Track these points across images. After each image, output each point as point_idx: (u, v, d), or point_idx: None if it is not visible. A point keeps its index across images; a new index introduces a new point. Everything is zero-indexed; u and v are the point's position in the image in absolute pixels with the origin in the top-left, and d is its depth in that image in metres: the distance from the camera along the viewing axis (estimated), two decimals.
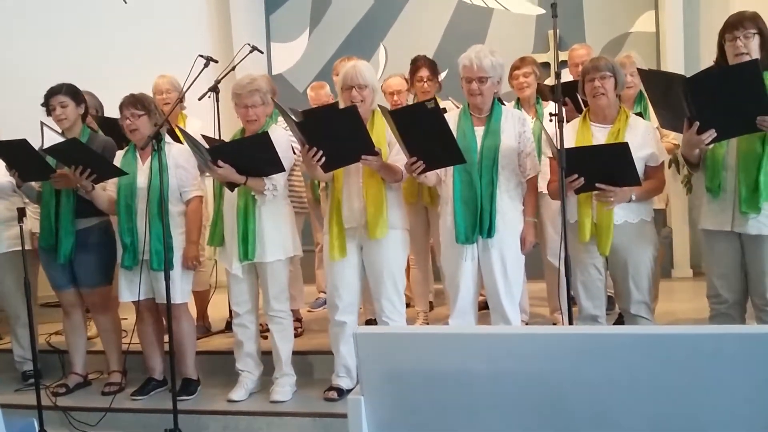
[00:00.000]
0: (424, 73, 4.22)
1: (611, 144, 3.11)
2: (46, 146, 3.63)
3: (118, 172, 3.64)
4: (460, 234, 3.26)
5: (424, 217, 4.28)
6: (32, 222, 4.03)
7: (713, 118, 2.81)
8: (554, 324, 4.07)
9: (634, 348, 1.45)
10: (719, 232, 3.03)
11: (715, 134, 2.83)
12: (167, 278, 3.32)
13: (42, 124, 3.76)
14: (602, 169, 3.03)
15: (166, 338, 3.52)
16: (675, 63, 5.46)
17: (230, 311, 3.76)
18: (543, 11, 6.11)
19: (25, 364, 4.20)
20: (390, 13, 6.49)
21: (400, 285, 3.48)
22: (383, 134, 3.36)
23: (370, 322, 4.26)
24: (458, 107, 3.58)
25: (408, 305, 4.38)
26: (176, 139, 3.86)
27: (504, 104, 3.75)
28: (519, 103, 4.17)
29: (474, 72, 3.22)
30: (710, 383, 1.40)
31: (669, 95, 2.94)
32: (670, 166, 5.19)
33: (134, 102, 3.65)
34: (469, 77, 3.24)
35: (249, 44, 4.22)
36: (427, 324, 4.34)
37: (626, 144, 3.01)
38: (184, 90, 3.90)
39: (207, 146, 3.53)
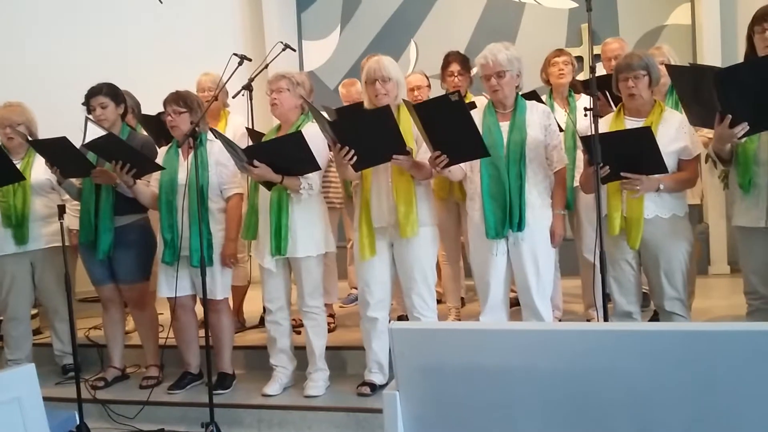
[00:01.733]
0: (455, 67, 4.23)
1: (634, 129, 3.07)
2: (88, 138, 3.68)
3: (156, 167, 3.69)
4: (490, 229, 3.25)
5: (455, 212, 4.28)
6: (70, 219, 4.11)
7: (745, 112, 2.76)
8: (588, 320, 4.03)
9: (669, 345, 1.44)
10: (753, 229, 2.98)
11: (748, 127, 2.78)
12: (203, 274, 3.37)
13: (86, 118, 3.82)
14: (628, 156, 2.99)
15: (202, 333, 3.57)
16: (712, 56, 5.35)
17: (264, 307, 3.80)
18: (575, 5, 6.05)
19: (65, 358, 4.30)
20: (421, 10, 6.50)
21: (431, 281, 3.49)
22: (410, 130, 3.36)
23: (402, 318, 4.27)
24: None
25: (439, 301, 4.39)
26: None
27: (542, 100, 3.73)
28: (551, 95, 4.15)
29: (491, 68, 3.22)
30: (747, 380, 1.38)
31: (699, 90, 2.89)
32: (707, 161, 5.10)
33: (177, 99, 3.70)
34: (487, 74, 3.25)
35: (282, 42, 4.25)
36: (459, 320, 4.34)
37: (649, 128, 2.98)
38: (219, 88, 3.96)
39: (242, 147, 3.56)
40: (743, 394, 1.39)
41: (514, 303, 3.73)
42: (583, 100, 3.95)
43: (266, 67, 4.23)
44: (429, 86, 4.50)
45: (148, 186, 3.81)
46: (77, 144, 3.72)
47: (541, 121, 3.30)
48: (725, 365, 1.38)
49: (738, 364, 1.38)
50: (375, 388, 3.58)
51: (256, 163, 3.38)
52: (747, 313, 3.14)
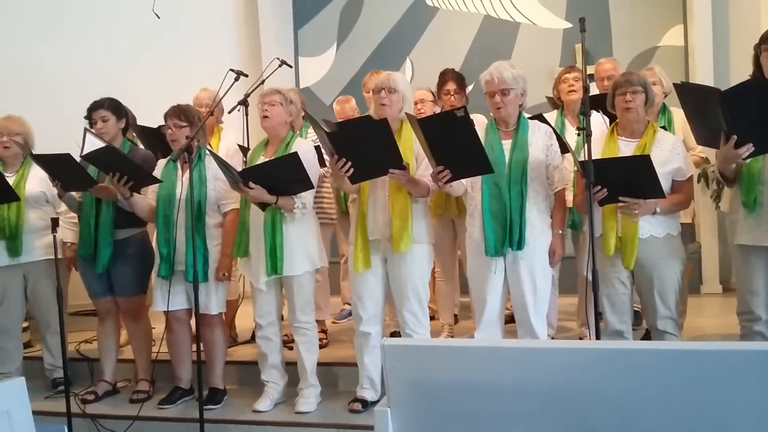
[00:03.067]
0: (451, 86, 4.25)
1: (633, 156, 3.11)
2: (86, 150, 3.68)
3: (154, 180, 3.69)
4: (489, 247, 3.26)
5: (451, 229, 4.29)
6: (63, 231, 4.10)
7: (751, 133, 2.78)
8: (581, 338, 4.04)
9: (660, 364, 1.44)
10: (756, 248, 3.00)
11: (753, 148, 2.81)
12: (196, 289, 3.37)
13: (85, 129, 3.83)
14: (625, 181, 3.03)
15: (194, 348, 3.55)
16: (704, 77, 5.40)
17: (255, 323, 3.79)
18: (570, 25, 6.11)
19: (55, 372, 4.27)
20: (417, 28, 6.55)
21: (423, 298, 3.49)
22: (410, 146, 3.39)
23: (395, 334, 4.26)
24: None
25: (433, 318, 4.38)
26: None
27: (548, 122, 3.74)
28: (562, 111, 4.16)
29: (495, 85, 3.25)
30: (737, 401, 1.39)
31: (705, 110, 2.91)
32: (699, 181, 5.14)
33: (178, 113, 3.71)
34: (491, 91, 3.28)
35: (278, 58, 4.27)
36: (452, 337, 4.33)
37: (648, 156, 3.01)
38: (215, 104, 3.97)
39: (235, 163, 3.56)
40: (734, 413, 1.39)
41: (509, 320, 3.74)
42: (594, 117, 3.96)
43: (262, 83, 4.24)
44: (434, 101, 4.51)
45: (145, 198, 3.81)
46: (77, 157, 3.73)
47: (543, 141, 3.33)
48: (716, 384, 1.39)
49: (728, 383, 1.38)
50: (367, 404, 3.56)
51: (251, 184, 3.39)
52: (741, 335, 3.14)
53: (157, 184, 3.73)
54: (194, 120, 3.71)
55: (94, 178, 3.77)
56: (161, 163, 3.87)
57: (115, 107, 3.94)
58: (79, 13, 6.22)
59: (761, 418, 1.38)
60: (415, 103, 4.38)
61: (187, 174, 3.61)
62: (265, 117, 3.56)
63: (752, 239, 3.00)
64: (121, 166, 3.61)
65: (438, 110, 4.45)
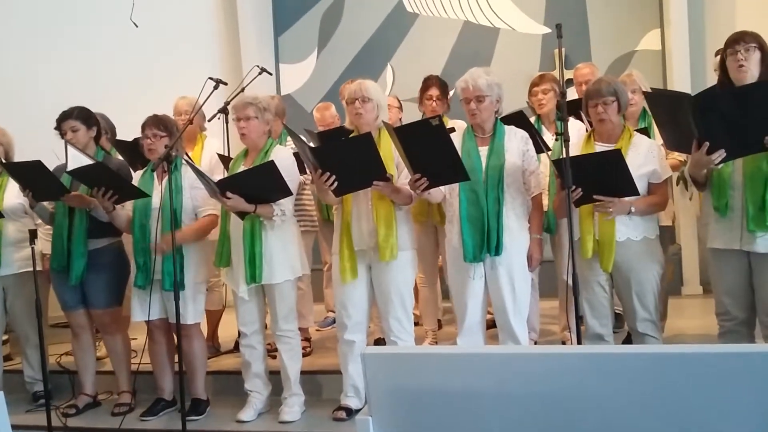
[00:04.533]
0: (434, 92, 4.26)
1: (605, 151, 3.13)
2: (71, 165, 3.64)
3: (141, 194, 3.65)
4: (468, 253, 3.27)
5: (433, 236, 4.29)
6: (42, 243, 4.05)
7: (722, 139, 2.82)
8: (563, 342, 4.05)
9: (640, 367, 1.45)
10: (727, 251, 3.03)
11: (725, 154, 2.84)
12: (177, 298, 3.34)
13: (66, 142, 3.79)
14: (599, 179, 3.05)
15: (177, 358, 3.53)
16: (681, 81, 5.48)
17: (239, 331, 3.77)
18: (549, 30, 6.15)
19: (36, 385, 4.21)
20: (397, 34, 6.57)
21: (408, 305, 3.49)
22: (390, 155, 3.39)
23: (379, 341, 4.26)
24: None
25: (416, 324, 4.38)
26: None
27: (528, 120, 3.76)
28: (540, 120, 4.18)
29: (471, 92, 3.27)
30: (717, 402, 1.40)
31: (677, 116, 2.95)
32: (678, 183, 5.18)
33: (157, 123, 3.69)
34: (467, 98, 3.30)
35: (258, 66, 4.26)
36: (436, 343, 4.34)
37: (618, 151, 3.04)
38: (194, 112, 3.95)
39: (217, 175, 3.54)
40: (714, 415, 1.40)
41: (491, 325, 3.75)
42: (572, 123, 3.99)
43: (242, 90, 4.23)
44: (400, 108, 4.52)
45: (123, 209, 3.78)
46: (51, 167, 3.69)
47: (519, 147, 3.35)
48: (696, 387, 1.40)
49: (709, 385, 1.39)
50: (351, 412, 3.55)
51: (229, 194, 3.37)
52: (719, 334, 3.18)
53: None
54: (173, 130, 3.70)
55: (66, 186, 3.72)
56: (138, 174, 3.84)
57: (85, 116, 3.90)
58: (60, 25, 6.18)
59: (741, 419, 1.39)
60: None
61: (163, 183, 3.60)
62: (243, 134, 3.55)
63: (724, 243, 3.04)
64: (109, 181, 3.57)
65: (402, 117, 4.49)
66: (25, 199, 3.87)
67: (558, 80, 4.27)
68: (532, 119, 4.17)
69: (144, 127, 3.71)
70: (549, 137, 3.94)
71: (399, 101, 4.56)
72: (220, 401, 3.98)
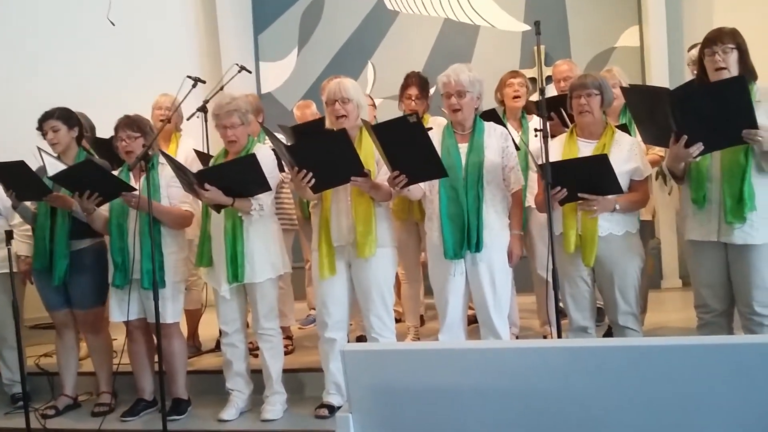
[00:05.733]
0: (413, 91, 4.25)
1: (591, 156, 3.16)
2: (49, 171, 3.61)
3: (126, 187, 3.58)
4: (448, 250, 3.28)
5: (415, 233, 4.29)
6: (18, 244, 4.00)
7: (699, 132, 2.85)
8: (544, 336, 4.08)
9: (621, 360, 1.46)
10: (705, 243, 3.06)
11: (703, 147, 2.87)
12: (156, 297, 3.32)
13: (39, 149, 3.75)
14: (584, 180, 3.08)
15: (157, 358, 3.50)
16: (660, 77, 5.53)
17: (220, 330, 3.75)
18: (529, 27, 6.17)
19: (14, 387, 4.17)
20: (378, 32, 6.56)
21: (389, 301, 3.49)
22: (371, 152, 3.38)
23: (361, 338, 4.25)
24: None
25: (399, 320, 4.38)
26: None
27: (501, 119, 3.78)
28: (505, 115, 4.20)
29: (452, 87, 3.28)
30: (697, 394, 1.41)
31: (654, 111, 2.97)
32: (657, 178, 5.21)
33: (130, 124, 3.65)
34: (448, 92, 3.30)
35: (237, 64, 4.24)
36: (418, 339, 4.34)
37: (605, 156, 3.07)
38: (173, 111, 3.92)
39: (194, 170, 3.52)
40: (694, 407, 1.41)
41: (473, 320, 3.76)
42: (536, 121, 4.02)
43: (222, 88, 4.20)
44: (374, 105, 4.51)
45: (102, 211, 3.74)
46: (33, 167, 3.65)
47: (499, 143, 3.36)
48: (676, 379, 1.41)
49: (688, 377, 1.40)
50: (333, 409, 3.54)
51: (207, 186, 3.35)
52: (697, 326, 3.21)
53: None
54: (146, 129, 3.68)
55: (49, 187, 3.69)
56: (114, 173, 3.80)
57: (66, 116, 3.87)
58: (37, 25, 6.10)
59: (719, 409, 1.41)
60: None
61: (140, 182, 3.57)
62: (232, 142, 3.53)
63: (701, 234, 3.07)
64: (91, 181, 3.52)
65: (377, 115, 4.48)
66: (3, 199, 3.81)
67: (528, 79, 4.31)
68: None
69: (117, 129, 3.68)
70: (514, 134, 3.97)
71: (372, 99, 4.53)
72: (201, 401, 3.95)
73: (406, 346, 1.87)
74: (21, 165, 3.54)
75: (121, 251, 3.62)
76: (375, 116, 4.57)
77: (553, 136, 3.39)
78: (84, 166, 3.57)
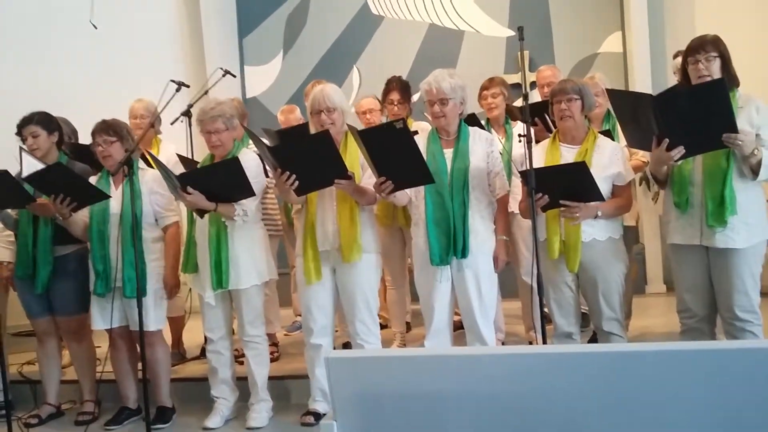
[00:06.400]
0: (394, 96, 4.25)
1: (569, 164, 3.18)
2: (25, 173, 3.57)
3: (101, 196, 3.58)
4: (434, 256, 3.28)
5: (400, 238, 4.29)
6: (0, 251, 3.96)
7: (681, 136, 2.88)
8: (530, 342, 4.08)
9: (606, 366, 1.46)
10: (687, 246, 3.09)
11: (684, 151, 2.90)
12: (140, 305, 3.29)
13: (21, 149, 3.72)
14: (565, 187, 3.09)
15: (140, 366, 3.47)
16: (642, 82, 5.56)
17: (205, 337, 3.72)
18: (513, 33, 6.19)
19: None
20: (363, 36, 6.55)
21: (373, 307, 3.48)
22: (356, 157, 3.38)
23: (347, 345, 4.24)
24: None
25: (385, 326, 4.38)
26: (150, 165, 3.83)
27: (480, 123, 3.78)
28: (489, 123, 4.21)
29: (434, 95, 3.28)
30: (681, 399, 1.41)
31: (637, 114, 3.00)
32: (641, 183, 5.25)
33: (106, 128, 3.63)
34: (431, 100, 3.31)
35: (221, 68, 4.22)
36: (404, 345, 4.34)
37: (584, 163, 3.08)
38: (155, 116, 3.90)
39: (177, 173, 3.50)
40: (678, 412, 1.42)
41: (459, 326, 3.76)
42: (520, 127, 4.03)
43: (206, 93, 4.19)
44: (381, 110, 4.50)
45: (81, 216, 3.70)
46: (14, 173, 3.61)
47: (484, 149, 3.37)
48: (660, 384, 1.41)
49: (672, 383, 1.41)
50: (319, 416, 3.53)
51: (189, 189, 3.33)
52: (680, 332, 3.23)
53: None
54: (123, 133, 3.65)
55: (31, 194, 3.65)
56: (92, 180, 3.77)
57: (46, 121, 3.83)
58: (19, 28, 6.04)
59: (704, 414, 1.41)
60: (364, 113, 4.38)
61: (120, 189, 3.56)
62: (217, 146, 3.51)
63: (684, 238, 3.09)
64: (64, 184, 3.49)
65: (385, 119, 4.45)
66: None
67: (507, 84, 4.30)
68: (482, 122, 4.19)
69: (94, 134, 3.66)
70: (497, 140, 3.96)
71: (380, 102, 4.42)
72: (186, 408, 3.93)
73: (391, 353, 1.87)
74: (3, 173, 3.50)
75: (102, 259, 3.59)
76: (382, 120, 4.46)
77: (537, 142, 3.41)
78: (54, 169, 3.53)
